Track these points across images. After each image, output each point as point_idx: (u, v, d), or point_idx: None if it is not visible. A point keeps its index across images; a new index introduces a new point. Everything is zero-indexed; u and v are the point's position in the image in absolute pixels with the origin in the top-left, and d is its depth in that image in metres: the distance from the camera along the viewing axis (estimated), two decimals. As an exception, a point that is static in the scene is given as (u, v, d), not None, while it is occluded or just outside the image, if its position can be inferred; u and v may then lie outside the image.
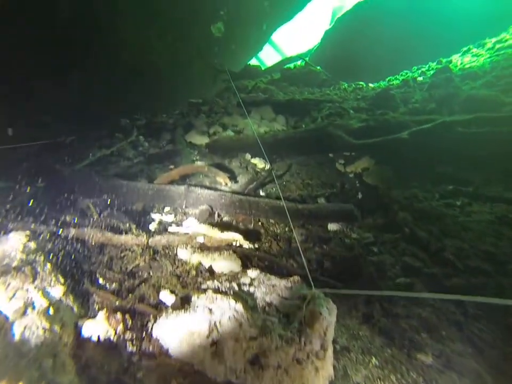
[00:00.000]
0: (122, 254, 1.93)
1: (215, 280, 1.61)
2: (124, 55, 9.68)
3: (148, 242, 1.92)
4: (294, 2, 14.65)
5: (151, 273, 1.78)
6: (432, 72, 7.11)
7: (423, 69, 7.69)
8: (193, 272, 1.74)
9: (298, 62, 13.01)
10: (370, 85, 7.59)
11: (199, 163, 3.57)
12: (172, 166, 3.73)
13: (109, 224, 2.20)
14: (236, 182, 3.08)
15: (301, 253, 1.98)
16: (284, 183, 3.39)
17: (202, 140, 4.79)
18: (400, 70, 8.60)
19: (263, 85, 7.82)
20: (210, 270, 1.77)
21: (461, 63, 7.04)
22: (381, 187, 3.44)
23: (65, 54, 6.26)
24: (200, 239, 1.97)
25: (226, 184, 2.85)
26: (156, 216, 2.39)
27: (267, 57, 22.63)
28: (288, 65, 11.01)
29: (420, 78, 6.73)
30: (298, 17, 16.61)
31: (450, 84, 5.32)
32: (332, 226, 2.62)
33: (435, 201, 3.20)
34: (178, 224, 2.24)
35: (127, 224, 2.18)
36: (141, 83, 10.64)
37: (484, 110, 4.08)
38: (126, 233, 2.07)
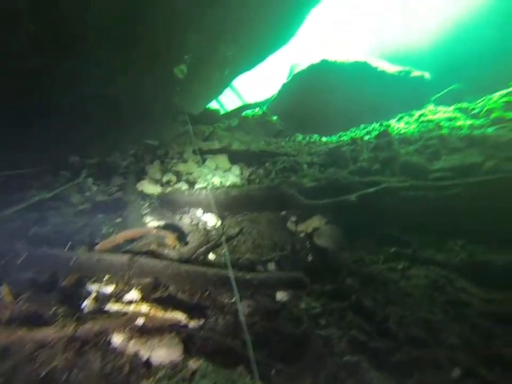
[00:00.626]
0: (35, 354, 1.65)
1: (151, 378, 1.46)
2: (84, 86, 9.42)
3: (75, 332, 1.69)
4: (256, 53, 15.59)
5: (72, 376, 1.53)
6: (375, 132, 7.82)
7: (368, 129, 8.43)
8: (127, 368, 1.57)
9: (256, 110, 13.66)
10: (323, 139, 8.09)
11: (148, 219, 3.43)
12: (119, 220, 3.53)
13: (26, 313, 1.90)
14: (186, 243, 2.97)
15: (246, 332, 1.89)
16: (235, 242, 3.35)
17: (154, 189, 4.66)
18: (350, 127, 9.39)
19: (220, 132, 7.99)
20: (147, 364, 1.61)
21: (397, 128, 7.84)
22: (331, 249, 3.53)
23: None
24: (141, 320, 1.82)
25: (175, 247, 2.73)
26: (92, 289, 2.18)
27: (228, 100, 23.46)
28: (246, 112, 11.43)
29: (366, 137, 7.32)
30: (260, 67, 17.74)
31: (390, 146, 5.83)
32: (281, 295, 2.59)
33: (380, 264, 3.34)
34: (118, 299, 2.05)
35: (53, 309, 1.92)
36: (99, 116, 10.33)
37: (416, 175, 4.56)
38: (49, 323, 1.78)
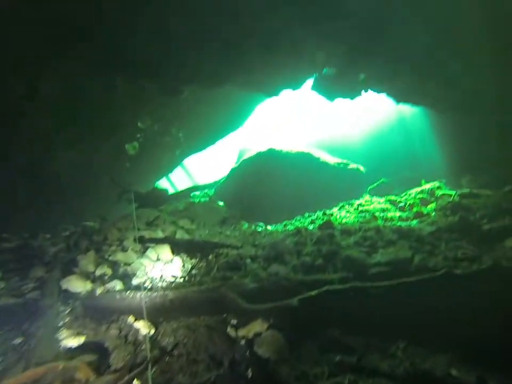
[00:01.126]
0: None
1: None
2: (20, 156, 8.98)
3: None
4: (206, 137, 16.43)
5: None
6: (319, 221, 8.20)
7: (313, 217, 8.85)
8: None
9: (205, 191, 13.87)
10: (269, 227, 8.24)
11: (64, 334, 2.95)
12: (18, 340, 2.98)
13: None
14: (108, 366, 2.56)
15: None
16: (167, 359, 2.99)
17: (83, 286, 4.19)
18: (295, 214, 9.81)
19: (166, 216, 7.82)
20: None
21: (339, 217, 8.34)
22: (273, 359, 3.30)
23: None
24: None
25: (87, 381, 2.31)
26: None
27: (178, 178, 23.75)
28: (194, 194, 11.51)
29: (311, 227, 7.61)
30: (210, 150, 18.59)
31: (332, 239, 6.08)
32: None
33: (324, 380, 3.15)
34: None
35: None
36: (28, 189, 9.63)
37: (357, 270, 4.72)
38: None
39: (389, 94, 8.99)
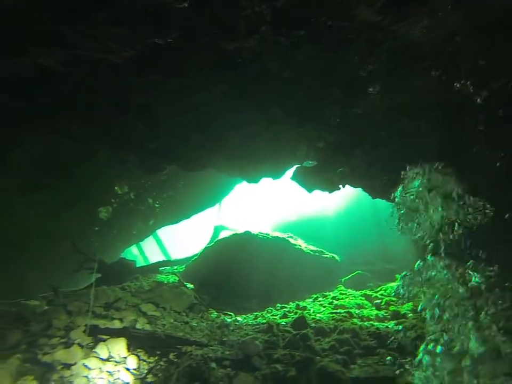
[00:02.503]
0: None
1: None
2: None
3: None
4: (182, 210, 16.25)
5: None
6: (292, 316, 7.71)
7: (285, 309, 8.34)
8: None
9: (176, 267, 13.11)
10: (239, 319, 7.63)
11: None
12: None
13: None
14: None
15: None
16: None
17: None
18: (267, 302, 9.28)
19: (128, 298, 7.11)
20: None
21: (313, 312, 7.91)
22: None
23: None
24: None
25: None
26: None
27: (149, 247, 22.74)
28: (162, 274, 10.85)
29: (283, 322, 7.09)
30: (185, 223, 18.25)
31: (306, 342, 5.61)
32: None
33: None
34: None
35: None
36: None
37: None
38: None
39: (364, 190, 9.39)
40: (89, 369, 4.19)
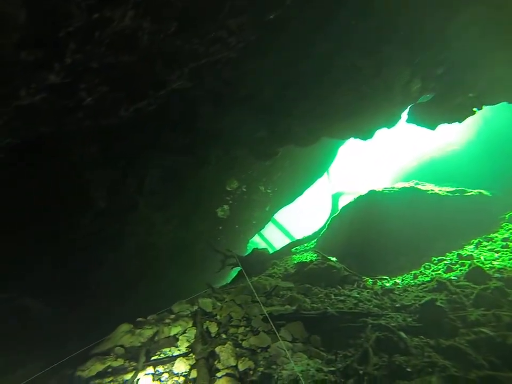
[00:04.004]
0: None
1: None
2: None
3: None
4: (293, 188, 16.32)
5: None
6: (460, 268, 6.86)
7: (446, 262, 7.50)
8: None
9: (306, 244, 13.25)
10: (397, 280, 7.18)
11: None
12: None
13: None
14: None
15: None
16: None
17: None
18: (415, 258, 8.52)
19: (282, 284, 7.37)
20: None
21: (485, 260, 6.87)
22: None
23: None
24: None
25: None
26: None
27: (271, 234, 23.69)
28: (300, 254, 11.02)
29: (453, 277, 6.36)
30: (300, 200, 18.33)
31: (507, 296, 4.82)
32: None
33: None
34: None
35: None
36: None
37: None
38: None
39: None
40: (284, 350, 4.40)
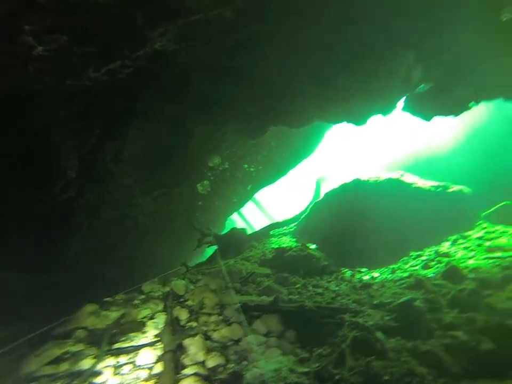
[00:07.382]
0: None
1: None
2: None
3: None
4: (277, 168, 16.02)
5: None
6: (436, 265, 6.84)
7: (423, 258, 7.48)
8: None
9: (284, 228, 13.07)
10: (375, 274, 7.11)
11: None
12: None
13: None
14: None
15: None
16: None
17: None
18: (395, 252, 8.49)
19: (257, 270, 7.15)
20: None
21: (461, 258, 6.85)
22: None
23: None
24: None
25: None
26: None
27: (250, 214, 23.45)
28: (279, 240, 10.83)
29: (431, 275, 6.31)
30: (282, 181, 18.05)
31: (481, 299, 4.77)
32: None
33: None
34: None
35: None
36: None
37: None
38: None
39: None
40: (256, 345, 4.19)
